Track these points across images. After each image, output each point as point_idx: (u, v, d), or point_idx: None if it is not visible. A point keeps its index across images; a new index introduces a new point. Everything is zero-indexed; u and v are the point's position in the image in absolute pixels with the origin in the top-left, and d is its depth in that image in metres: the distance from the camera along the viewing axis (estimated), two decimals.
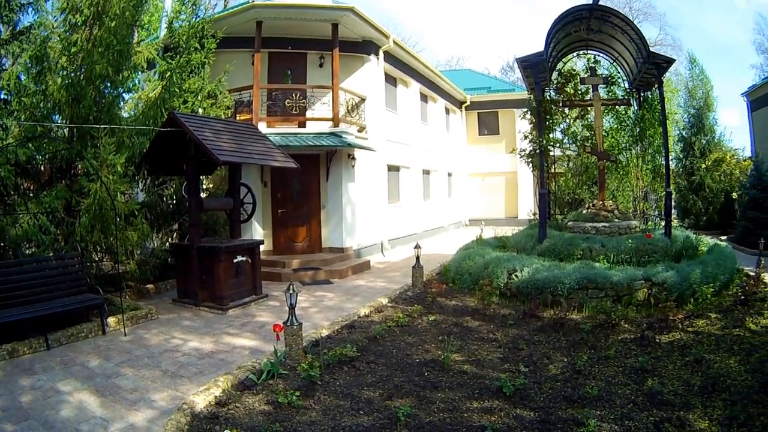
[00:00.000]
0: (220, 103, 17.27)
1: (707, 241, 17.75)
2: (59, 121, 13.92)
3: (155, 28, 16.71)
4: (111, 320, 11.50)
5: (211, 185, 18.97)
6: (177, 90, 15.41)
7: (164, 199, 16.67)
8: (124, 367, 9.17)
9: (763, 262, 14.25)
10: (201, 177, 16.06)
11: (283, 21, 19.28)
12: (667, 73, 22.94)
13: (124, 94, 15.63)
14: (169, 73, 15.31)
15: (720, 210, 30.65)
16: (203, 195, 16.31)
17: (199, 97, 16.50)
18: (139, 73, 16.08)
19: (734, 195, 29.14)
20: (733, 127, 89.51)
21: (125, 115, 15.84)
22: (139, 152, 14.16)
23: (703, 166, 31.29)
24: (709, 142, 32.64)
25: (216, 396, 7.61)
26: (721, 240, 21.00)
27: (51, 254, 12.13)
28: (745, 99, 36.91)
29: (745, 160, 31.49)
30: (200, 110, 16.37)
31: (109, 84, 14.07)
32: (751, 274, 13.84)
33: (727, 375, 8.56)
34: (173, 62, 15.54)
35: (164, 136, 12.95)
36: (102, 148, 12.52)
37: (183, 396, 7.75)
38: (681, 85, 37.14)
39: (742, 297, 12.41)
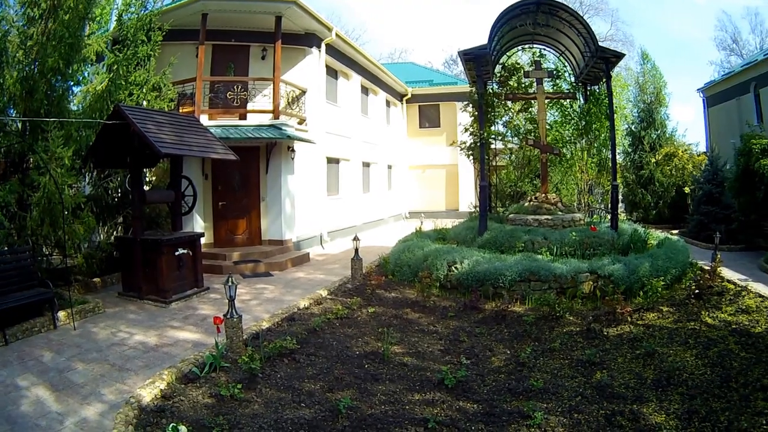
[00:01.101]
0: (164, 96, 17.12)
1: (657, 234, 17.91)
2: (14, 115, 13.81)
3: (106, 21, 16.53)
4: (61, 314, 11.47)
5: (154, 178, 18.82)
6: (123, 83, 15.28)
7: (109, 192, 16.55)
8: (75, 362, 9.21)
9: (719, 256, 14.36)
10: (144, 169, 16.00)
11: (228, 13, 19.40)
12: (617, 68, 23.25)
13: (73, 87, 15.43)
14: (116, 66, 15.17)
15: (671, 204, 30.90)
16: (146, 188, 16.21)
17: (144, 90, 16.34)
18: (89, 66, 16.00)
19: (686, 189, 29.36)
20: (688, 123, 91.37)
21: (74, 108, 15.66)
22: (85, 145, 14.01)
23: (653, 160, 31.49)
24: (660, 136, 32.87)
25: (161, 389, 7.69)
26: (672, 234, 21.08)
27: (5, 248, 12.03)
28: (701, 95, 37.59)
29: (699, 155, 31.76)
30: (145, 103, 16.24)
31: (60, 77, 13.96)
32: (707, 268, 14.02)
33: (683, 369, 8.65)
34: (120, 55, 15.41)
35: (110, 129, 12.85)
36: (51, 141, 12.44)
37: (130, 390, 7.83)
38: (632, 81, 37.28)
39: (697, 291, 12.53)
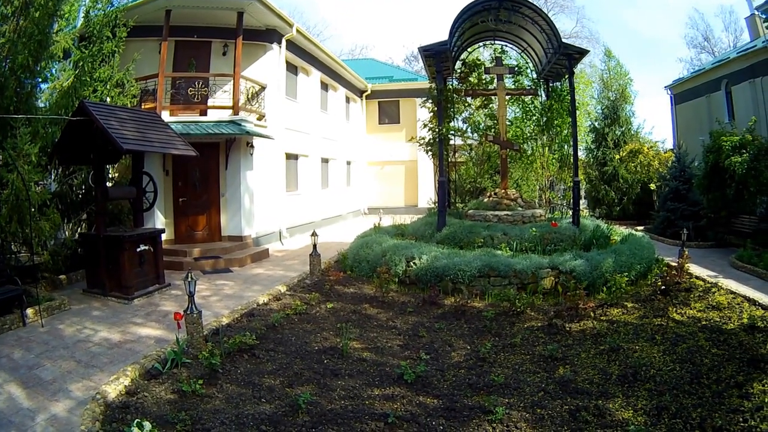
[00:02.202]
0: (127, 92, 16.95)
1: (621, 231, 18.06)
2: None
3: (74, 18, 16.43)
4: (29, 311, 11.45)
5: (116, 174, 18.72)
6: (88, 79, 15.28)
7: (73, 188, 16.50)
8: (44, 359, 9.23)
9: (686, 252, 14.47)
10: (107, 166, 15.91)
11: (191, 9, 19.29)
12: (581, 66, 23.45)
13: (41, 84, 15.45)
14: (81, 63, 15.22)
15: (636, 201, 30.99)
16: (109, 184, 16.20)
17: (108, 86, 16.21)
18: (56, 63, 15.92)
19: (652, 186, 29.47)
20: (656, 120, 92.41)
21: (41, 105, 15.60)
22: (51, 142, 14.05)
23: (617, 157, 31.61)
24: (625, 133, 32.97)
25: (125, 385, 7.78)
26: (637, 230, 21.43)
27: None
28: (669, 92, 37.88)
29: (666, 152, 31.97)
30: (108, 99, 16.08)
31: (28, 74, 13.95)
32: (673, 264, 14.11)
33: (650, 365, 8.71)
34: (86, 51, 15.42)
35: (74, 126, 12.79)
36: (19, 138, 12.43)
37: (96, 386, 7.87)
38: (596, 78, 37.41)
39: (663, 287, 12.64)
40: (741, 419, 6.86)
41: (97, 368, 8.76)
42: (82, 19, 16.46)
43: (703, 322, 10.72)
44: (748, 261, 16.24)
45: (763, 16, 18.96)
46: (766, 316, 10.75)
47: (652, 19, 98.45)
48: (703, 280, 14.13)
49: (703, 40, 65.63)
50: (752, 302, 11.78)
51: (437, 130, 18.57)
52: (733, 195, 19.87)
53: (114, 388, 7.56)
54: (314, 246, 15.46)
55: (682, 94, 36.26)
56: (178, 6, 18.83)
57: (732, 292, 12.65)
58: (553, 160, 22.38)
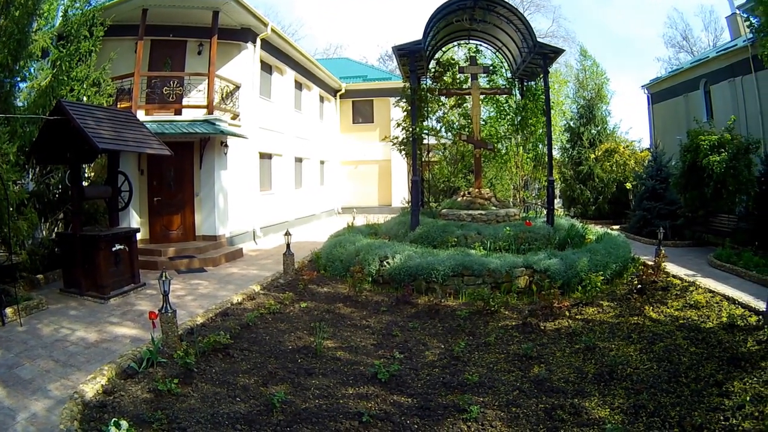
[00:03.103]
0: (103, 91, 16.98)
1: (596, 230, 18.10)
2: None
3: (52, 17, 16.38)
4: (8, 311, 11.40)
5: (92, 174, 18.64)
6: (66, 78, 15.25)
7: (50, 188, 16.47)
8: (23, 358, 9.19)
9: (662, 251, 14.49)
10: (83, 165, 15.93)
11: (167, 8, 19.27)
12: (557, 65, 23.47)
13: (20, 83, 15.38)
14: (59, 62, 15.19)
15: (611, 200, 31.02)
16: (85, 183, 16.15)
17: (85, 85, 16.24)
18: (35, 62, 15.83)
19: (628, 185, 29.54)
20: (633, 120, 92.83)
21: (20, 104, 15.56)
22: (29, 141, 14.00)
23: (593, 156, 31.60)
24: (600, 132, 33.01)
25: (102, 385, 7.78)
26: (613, 229, 21.46)
27: None
28: (646, 92, 38.18)
29: (642, 152, 31.93)
30: (85, 98, 16.10)
31: (7, 73, 13.88)
32: (650, 263, 14.03)
33: (626, 363, 8.76)
34: (64, 51, 15.39)
35: (52, 125, 12.77)
36: None
37: (74, 385, 7.85)
38: (571, 77, 37.46)
39: (639, 286, 12.69)
40: (722, 417, 6.92)
41: (74, 367, 8.76)
42: (61, 18, 16.41)
43: (681, 321, 10.81)
44: (727, 260, 16.34)
45: (745, 15, 19.14)
46: (746, 315, 10.84)
47: (630, 18, 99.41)
48: (681, 278, 14.25)
49: (682, 39, 66.26)
50: (732, 301, 11.87)
51: (411, 129, 18.62)
52: (711, 194, 19.98)
53: (91, 388, 7.56)
54: (288, 245, 15.39)
55: (660, 93, 36.51)
56: (155, 5, 18.81)
57: (710, 291, 12.76)
58: (528, 160, 22.57)
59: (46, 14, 15.71)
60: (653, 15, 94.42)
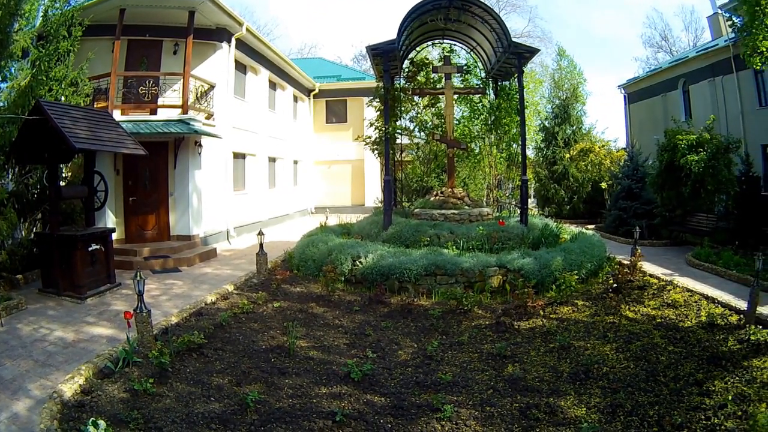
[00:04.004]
0: (81, 91, 16.98)
1: (571, 229, 18.16)
2: None
3: (33, 17, 16.32)
4: None
5: (69, 174, 18.56)
6: (44, 78, 15.26)
7: (29, 188, 16.42)
8: (4, 358, 9.26)
9: (638, 250, 14.60)
10: (60, 165, 15.81)
11: (144, 8, 19.29)
12: (532, 65, 23.47)
13: (0, 83, 15.53)
14: (38, 62, 15.20)
15: (587, 200, 31.16)
16: (62, 183, 16.13)
17: (63, 85, 16.24)
18: (15, 62, 15.88)
19: (603, 185, 29.70)
20: (610, 119, 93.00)
21: (0, 104, 15.67)
22: (9, 141, 14.06)
23: (567, 155, 31.78)
24: (575, 132, 33.17)
25: (80, 385, 7.88)
26: (588, 229, 21.59)
27: None
28: (622, 91, 38.18)
29: (618, 151, 31.99)
30: (63, 98, 16.12)
31: None
32: (626, 262, 14.13)
33: (602, 362, 8.81)
34: (43, 51, 15.39)
35: (31, 125, 12.82)
36: None
37: (53, 385, 7.92)
38: (547, 77, 37.77)
39: (615, 285, 12.77)
40: (703, 417, 6.99)
41: (53, 367, 8.81)
42: (41, 18, 16.40)
43: (659, 320, 10.90)
44: (706, 259, 16.40)
45: (727, 15, 19.31)
46: (727, 314, 10.89)
47: (609, 18, 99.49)
48: (658, 278, 14.32)
49: (661, 39, 66.39)
50: (711, 300, 11.94)
51: (384, 129, 18.65)
52: (689, 193, 20.05)
53: (70, 387, 7.67)
54: (261, 245, 15.37)
55: (637, 93, 36.63)
56: (132, 5, 18.76)
57: (689, 290, 12.82)
58: (501, 159, 22.58)
59: (27, 14, 15.69)
60: (632, 15, 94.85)
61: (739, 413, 7.01)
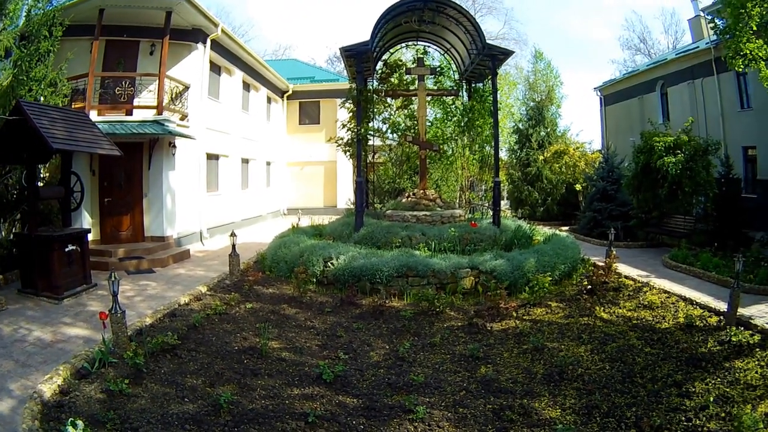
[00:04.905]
0: (59, 91, 16.88)
1: (544, 231, 18.25)
2: None
3: (16, 17, 16.29)
4: None
5: (47, 174, 18.57)
6: (25, 78, 15.25)
7: (8, 188, 16.43)
8: None
9: (613, 252, 14.63)
10: (38, 165, 15.76)
11: (123, 9, 19.19)
12: (507, 67, 23.48)
13: None
14: (20, 62, 15.19)
15: (561, 201, 31.33)
16: (40, 184, 16.12)
17: (42, 85, 16.16)
18: None
19: (578, 187, 29.82)
20: (585, 122, 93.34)
21: None
22: None
23: (541, 157, 31.86)
24: (550, 134, 33.30)
25: (59, 385, 7.89)
26: (562, 230, 21.60)
27: None
28: (598, 94, 38.48)
29: (593, 153, 32.24)
30: (42, 98, 16.08)
31: None
32: (600, 264, 14.21)
33: (577, 364, 8.85)
34: (25, 51, 15.39)
35: (11, 125, 12.85)
36: None
37: (34, 385, 7.92)
38: (522, 79, 37.88)
39: (589, 287, 12.82)
40: (684, 418, 7.04)
41: (33, 368, 8.82)
42: (24, 18, 16.44)
43: (635, 322, 10.98)
44: (684, 261, 16.53)
45: (709, 17, 19.50)
46: (706, 316, 10.98)
47: (586, 21, 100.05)
48: (634, 279, 14.45)
49: (640, 41, 66.62)
50: (689, 302, 12.02)
51: (356, 130, 18.70)
52: (666, 195, 20.21)
53: (49, 388, 7.71)
54: (233, 246, 15.46)
55: (613, 95, 36.90)
56: (111, 5, 18.74)
57: (665, 292, 12.92)
58: (474, 161, 22.70)
59: (11, 14, 15.74)
60: (610, 18, 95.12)
61: (723, 414, 7.10)
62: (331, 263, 14.33)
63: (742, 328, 10.01)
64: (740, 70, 15.46)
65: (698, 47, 27.91)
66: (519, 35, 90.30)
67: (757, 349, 9.10)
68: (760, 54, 14.57)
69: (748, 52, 14.54)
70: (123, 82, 19.38)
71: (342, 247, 15.19)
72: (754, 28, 14.23)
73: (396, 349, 9.98)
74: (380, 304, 12.39)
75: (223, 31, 23.31)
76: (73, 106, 18.06)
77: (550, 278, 13.63)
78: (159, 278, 16.19)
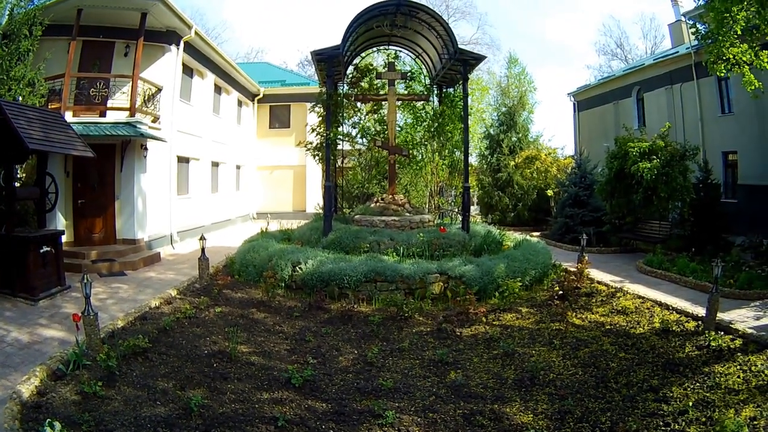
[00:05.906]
0: (37, 92, 17.01)
1: (515, 236, 18.23)
2: None
3: (0, 15, 16.37)
4: None
5: (24, 175, 18.37)
6: (5, 77, 15.33)
7: None
8: None
9: (585, 257, 14.75)
10: (16, 166, 15.87)
11: (100, 9, 19.27)
12: (479, 72, 23.26)
13: None
14: (1, 61, 15.26)
15: (532, 207, 31.48)
16: (17, 184, 16.20)
17: (21, 85, 16.33)
18: None
19: (549, 192, 29.96)
20: (558, 127, 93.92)
21: None
22: None
23: (512, 163, 31.93)
24: (521, 139, 33.39)
25: (36, 386, 7.79)
26: (533, 236, 21.61)
27: None
28: (572, 99, 38.71)
29: (566, 159, 32.44)
30: (20, 98, 16.20)
31: None
32: (572, 269, 14.36)
33: (548, 369, 8.89)
34: (6, 50, 15.45)
35: None
36: None
37: (13, 386, 7.93)
38: (494, 85, 37.96)
39: (561, 292, 12.83)
40: (662, 423, 7.07)
41: (12, 368, 8.95)
42: (6, 17, 16.46)
43: (608, 327, 11.02)
44: (659, 266, 16.69)
45: (690, 22, 19.68)
46: (683, 321, 10.96)
47: (562, 26, 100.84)
48: (607, 285, 14.38)
49: (617, 47, 67.01)
50: (665, 307, 11.98)
51: (325, 134, 18.72)
52: (640, 201, 20.24)
53: (27, 388, 7.65)
54: (202, 250, 15.27)
55: (587, 101, 37.20)
56: (89, 5, 18.78)
57: (640, 297, 12.89)
58: (444, 166, 22.82)
59: None
60: (586, 23, 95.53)
61: (703, 419, 7.11)
62: (300, 268, 14.29)
63: (722, 333, 10.03)
64: (722, 74, 15.60)
65: (678, 52, 28.20)
66: (492, 40, 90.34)
67: (739, 354, 9.11)
68: (744, 59, 14.71)
69: (731, 56, 14.69)
70: (98, 84, 19.35)
71: (310, 252, 15.17)
72: (739, 33, 14.33)
73: (365, 354, 10.01)
74: (349, 309, 12.45)
75: (196, 33, 23.38)
76: (49, 107, 18.02)
77: (521, 284, 13.76)
78: (130, 281, 16.23)
